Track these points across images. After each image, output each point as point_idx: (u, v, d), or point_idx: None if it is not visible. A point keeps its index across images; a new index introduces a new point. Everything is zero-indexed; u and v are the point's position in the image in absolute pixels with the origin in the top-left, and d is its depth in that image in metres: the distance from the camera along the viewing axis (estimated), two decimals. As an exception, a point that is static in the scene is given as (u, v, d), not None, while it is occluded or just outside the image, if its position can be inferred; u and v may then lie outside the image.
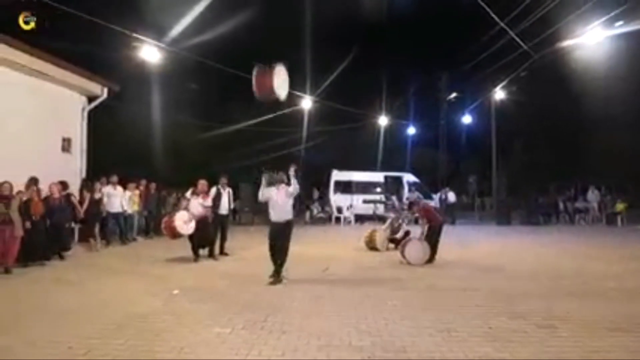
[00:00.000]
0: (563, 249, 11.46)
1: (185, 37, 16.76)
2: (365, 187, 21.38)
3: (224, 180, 10.11)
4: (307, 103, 22.59)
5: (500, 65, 19.83)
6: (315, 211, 21.40)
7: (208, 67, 16.99)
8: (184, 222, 8.93)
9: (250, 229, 16.47)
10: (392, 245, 10.66)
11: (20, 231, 7.94)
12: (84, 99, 13.21)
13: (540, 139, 29.10)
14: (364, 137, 29.68)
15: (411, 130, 30.36)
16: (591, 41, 14.28)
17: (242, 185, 20.71)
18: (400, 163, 27.62)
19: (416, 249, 8.81)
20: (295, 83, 22.63)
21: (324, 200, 22.34)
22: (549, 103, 26.87)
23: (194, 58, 16.45)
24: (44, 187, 9.33)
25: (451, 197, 20.65)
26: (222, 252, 9.82)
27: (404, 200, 18.75)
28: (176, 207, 10.82)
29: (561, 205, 21.10)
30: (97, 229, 11.04)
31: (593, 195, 20.21)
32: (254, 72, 7.17)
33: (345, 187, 21.29)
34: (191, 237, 9.08)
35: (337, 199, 20.99)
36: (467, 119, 26.89)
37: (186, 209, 9.21)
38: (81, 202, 10.70)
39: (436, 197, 20.97)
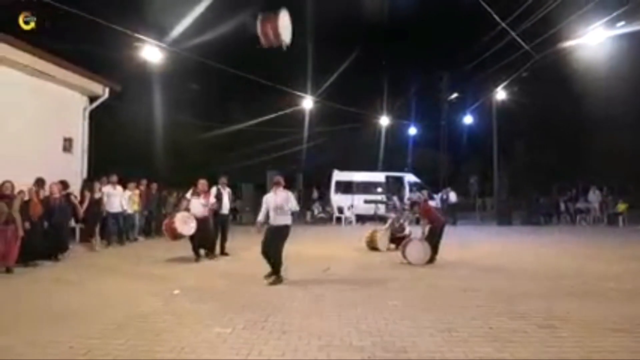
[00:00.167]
0: (564, 249, 11.44)
1: (186, 37, 16.77)
2: (366, 187, 21.40)
3: (223, 180, 10.13)
4: (308, 103, 22.60)
5: (501, 66, 19.82)
6: (316, 211, 21.43)
7: (209, 67, 17.02)
8: (184, 222, 8.94)
9: (251, 230, 16.42)
10: (392, 246, 10.66)
11: (21, 231, 7.96)
12: (85, 98, 13.24)
13: (541, 139, 29.10)
14: (365, 138, 29.71)
15: (412, 131, 30.37)
16: (593, 41, 14.26)
17: (244, 186, 20.75)
18: (401, 163, 27.63)
19: (417, 249, 8.81)
20: (297, 83, 22.72)
21: (324, 200, 22.35)
22: (550, 103, 26.87)
23: (195, 58, 16.47)
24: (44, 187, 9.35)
25: (452, 197, 20.63)
26: (222, 252, 9.83)
27: (405, 200, 18.75)
28: (177, 207, 10.82)
29: (562, 206, 21.08)
30: (97, 229, 11.06)
31: (594, 196, 20.15)
32: (259, 19, 7.23)
33: (346, 187, 21.30)
34: (192, 237, 9.09)
35: (338, 199, 21.00)
36: (468, 119, 26.89)
37: (187, 209, 9.22)
38: (82, 202, 10.70)
39: (437, 197, 20.96)
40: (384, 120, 27.43)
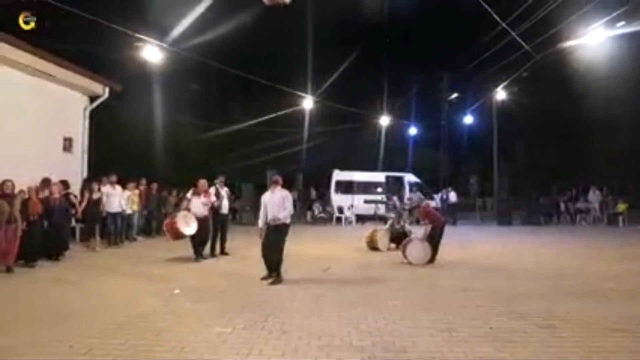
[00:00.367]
0: (564, 249, 11.45)
1: (187, 37, 16.79)
2: (367, 187, 21.39)
3: (221, 179, 10.14)
4: (308, 103, 22.58)
5: (501, 66, 19.74)
6: (316, 211, 21.42)
7: (209, 68, 17.03)
8: (186, 222, 8.95)
9: (251, 230, 16.43)
10: (393, 245, 10.67)
11: (20, 230, 7.96)
12: (85, 98, 13.25)
13: (541, 139, 29.11)
14: (365, 138, 29.70)
15: (412, 131, 30.34)
16: (593, 42, 14.23)
17: (244, 185, 20.77)
18: (401, 163, 27.62)
19: (417, 249, 8.81)
20: (297, 83, 22.73)
21: (324, 200, 22.35)
22: (551, 103, 26.87)
23: (195, 58, 16.47)
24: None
25: (452, 197, 20.62)
26: (222, 252, 9.84)
27: (405, 200, 18.75)
28: (177, 207, 10.83)
29: (562, 206, 21.08)
30: (97, 229, 11.06)
31: (594, 196, 20.17)
32: None
33: (346, 187, 21.30)
34: (193, 236, 9.10)
35: (338, 199, 21.00)
36: (468, 120, 26.81)
37: (187, 209, 9.22)
38: (82, 202, 10.71)
39: (437, 197, 20.97)
40: (384, 120, 27.39)
